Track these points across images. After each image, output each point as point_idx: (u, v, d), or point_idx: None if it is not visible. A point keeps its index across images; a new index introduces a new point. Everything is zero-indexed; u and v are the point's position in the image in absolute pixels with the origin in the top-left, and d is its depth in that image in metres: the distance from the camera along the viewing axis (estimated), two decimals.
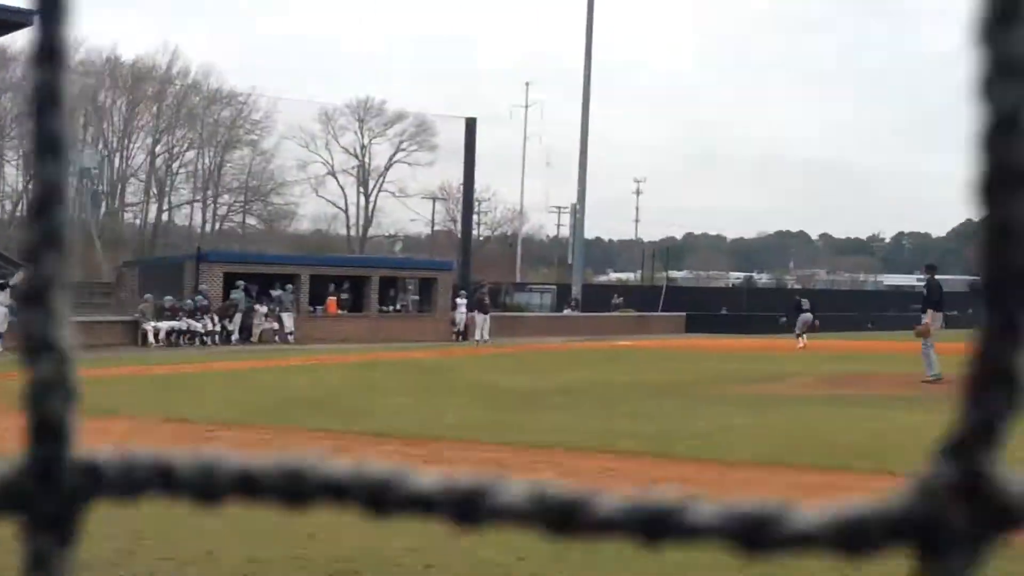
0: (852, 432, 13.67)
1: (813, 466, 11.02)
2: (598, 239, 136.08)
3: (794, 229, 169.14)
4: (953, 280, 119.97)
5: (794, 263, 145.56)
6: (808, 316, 40.92)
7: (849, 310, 65.46)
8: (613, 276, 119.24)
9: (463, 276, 49.17)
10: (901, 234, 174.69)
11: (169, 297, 36.44)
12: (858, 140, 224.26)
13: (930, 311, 22.32)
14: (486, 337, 41.57)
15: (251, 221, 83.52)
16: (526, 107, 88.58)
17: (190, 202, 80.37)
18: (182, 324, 36.13)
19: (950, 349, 35.18)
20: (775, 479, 10.31)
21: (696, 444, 12.47)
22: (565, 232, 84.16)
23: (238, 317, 38.03)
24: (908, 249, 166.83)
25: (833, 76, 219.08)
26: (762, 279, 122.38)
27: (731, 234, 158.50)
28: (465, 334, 43.20)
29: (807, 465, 11.07)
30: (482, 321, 42.50)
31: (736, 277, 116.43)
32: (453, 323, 43.78)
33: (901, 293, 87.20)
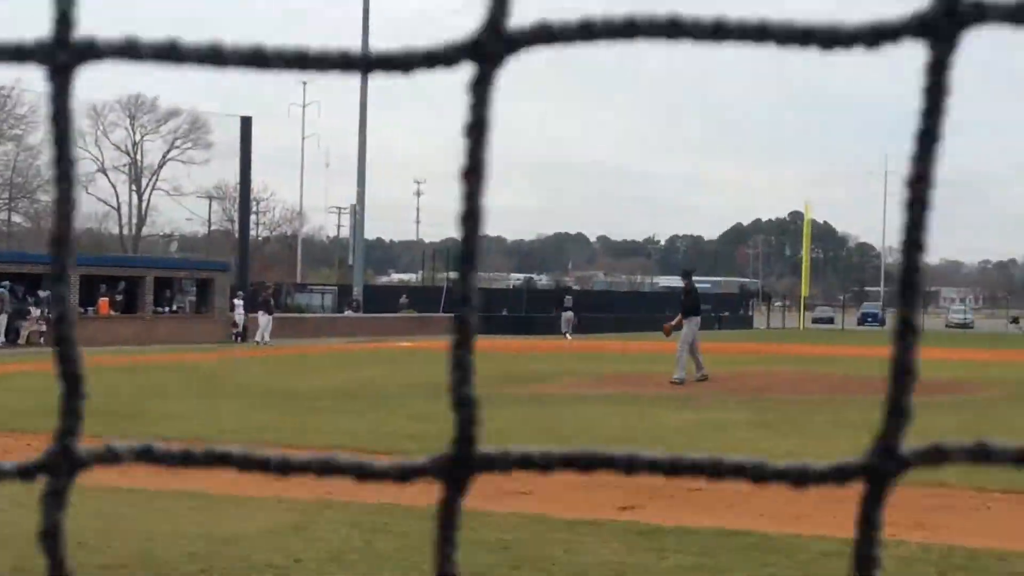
0: (625, 430, 14.14)
1: None
2: (379, 240, 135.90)
3: (572, 231, 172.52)
4: (727, 281, 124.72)
5: (572, 264, 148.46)
6: (570, 314, 42.01)
7: (625, 311, 67.16)
8: (395, 277, 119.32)
9: (241, 277, 48.48)
10: (676, 237, 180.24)
11: None
12: (635, 146, 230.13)
13: (688, 316, 23.03)
14: (267, 339, 41.10)
15: (17, 219, 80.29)
16: (303, 106, 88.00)
17: None
18: None
19: (719, 348, 36.61)
20: (552, 476, 10.59)
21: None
22: (345, 233, 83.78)
23: (3, 318, 36.56)
24: (682, 251, 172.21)
25: (612, 81, 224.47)
26: (542, 280, 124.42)
27: (511, 236, 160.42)
28: (244, 335, 42.62)
29: None
30: (265, 322, 41.99)
31: (516, 278, 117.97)
32: (233, 324, 43.12)
33: (676, 294, 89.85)
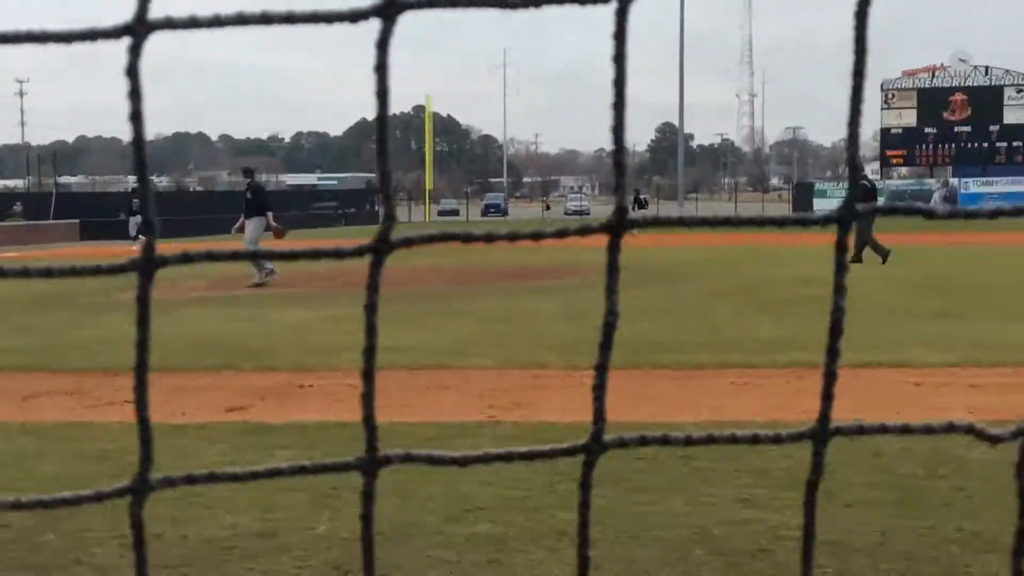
0: (238, 332, 14.11)
1: (200, 367, 11.33)
2: None
3: (193, 131, 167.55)
4: (355, 177, 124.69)
5: (195, 165, 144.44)
6: (139, 217, 41.36)
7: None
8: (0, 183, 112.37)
9: None
10: (300, 134, 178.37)
11: None
12: (261, 44, 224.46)
13: (251, 216, 22.85)
14: None
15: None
16: None
17: None
18: None
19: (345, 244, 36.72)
20: (163, 382, 10.50)
21: (81, 355, 12.35)
22: None
23: None
24: (308, 149, 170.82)
25: None
26: (163, 182, 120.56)
27: (125, 136, 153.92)
28: None
29: (196, 368, 11.34)
30: None
31: (134, 181, 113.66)
32: None
33: (304, 193, 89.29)
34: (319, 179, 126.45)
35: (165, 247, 0.91)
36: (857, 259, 25.07)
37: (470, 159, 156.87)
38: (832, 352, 0.91)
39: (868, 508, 6.15)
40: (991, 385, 9.56)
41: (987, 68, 70.30)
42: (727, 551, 5.52)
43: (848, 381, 7.14)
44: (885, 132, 71.70)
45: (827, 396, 0.91)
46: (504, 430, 8.26)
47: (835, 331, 0.91)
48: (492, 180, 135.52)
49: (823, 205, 67.19)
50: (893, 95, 70.91)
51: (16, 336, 14.18)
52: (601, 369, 0.89)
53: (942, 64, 71.19)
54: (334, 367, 11.01)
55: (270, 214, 22.92)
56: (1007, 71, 69.84)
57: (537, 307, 16.57)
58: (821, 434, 0.91)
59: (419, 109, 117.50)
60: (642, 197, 47.27)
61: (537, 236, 0.90)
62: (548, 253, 29.06)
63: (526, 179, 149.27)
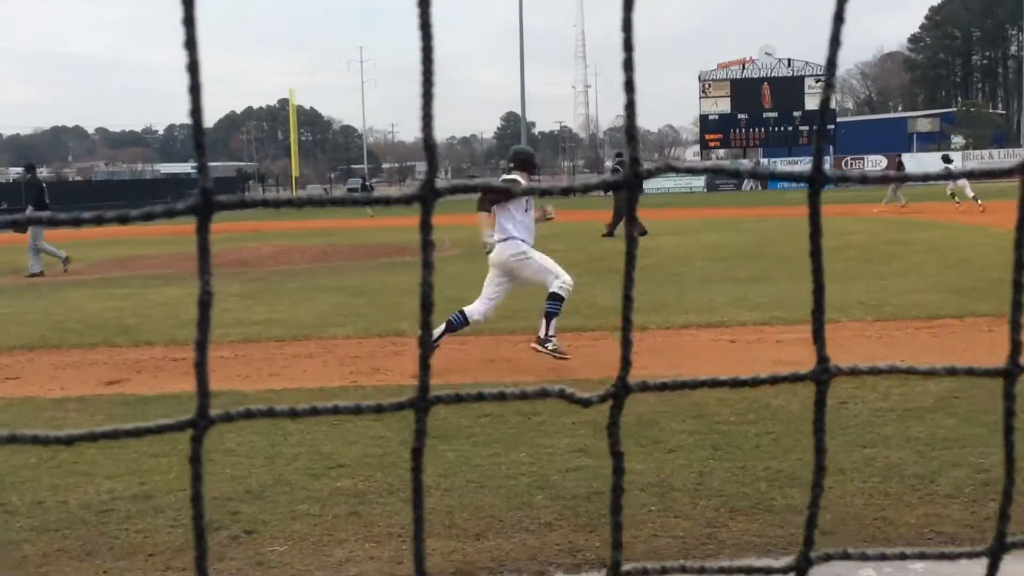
0: (113, 310, 13.72)
1: (77, 344, 10.99)
2: None
3: (70, 124, 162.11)
4: (225, 166, 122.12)
5: (72, 156, 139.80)
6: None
7: (127, 200, 64.32)
8: None
9: None
10: (173, 126, 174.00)
11: None
12: (132, 39, 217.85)
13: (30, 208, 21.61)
14: None
15: None
16: None
17: None
18: None
19: (216, 229, 36.10)
20: (40, 361, 10.16)
21: None
22: None
23: None
24: (181, 140, 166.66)
25: None
26: (43, 173, 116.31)
27: (6, 131, 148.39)
28: None
29: (72, 345, 11.00)
30: None
31: (16, 172, 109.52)
32: None
33: (178, 180, 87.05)
34: (192, 167, 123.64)
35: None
36: (610, 234, 25.72)
37: (333, 147, 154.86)
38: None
39: (687, 452, 6.27)
40: (795, 340, 9.83)
41: (790, 60, 72.09)
42: (564, 496, 5.57)
43: (667, 340, 7.26)
44: (704, 118, 73.07)
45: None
46: (365, 393, 8.20)
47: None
48: (354, 167, 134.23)
49: (652, 184, 68.31)
50: (709, 85, 72.27)
51: None
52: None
53: (751, 57, 72.77)
54: (215, 342, 10.78)
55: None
56: (807, 63, 71.72)
57: (393, 281, 16.48)
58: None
59: (284, 102, 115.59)
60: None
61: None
62: (401, 233, 28.94)
63: (385, 165, 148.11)
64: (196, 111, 0.79)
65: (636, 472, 5.81)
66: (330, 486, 5.90)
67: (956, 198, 31.87)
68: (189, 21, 0.76)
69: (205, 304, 0.84)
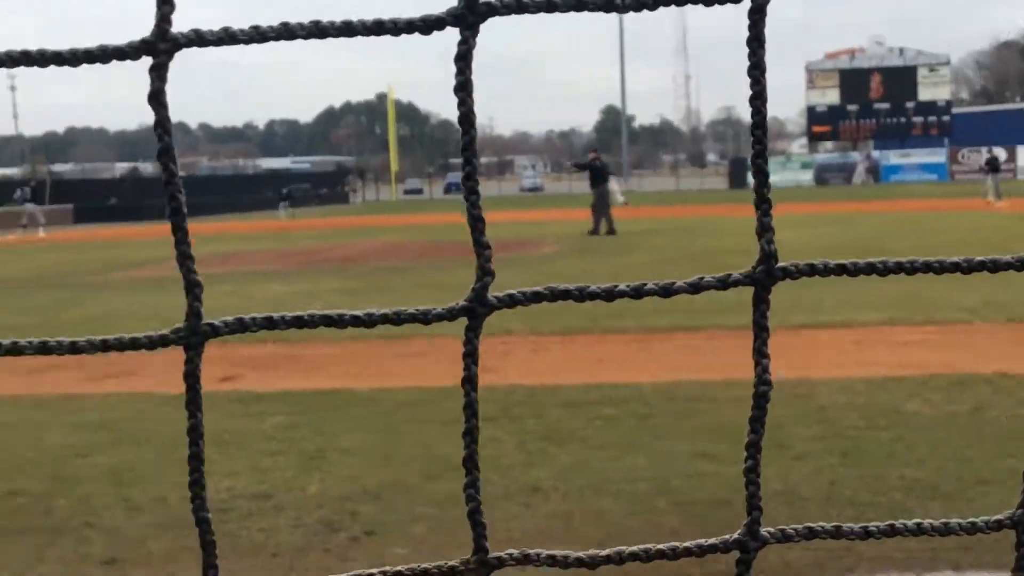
0: (216, 307, 13.93)
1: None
2: None
3: (174, 120, 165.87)
4: (324, 160, 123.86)
5: (177, 152, 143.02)
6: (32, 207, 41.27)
7: (229, 194, 65.44)
8: None
9: None
10: (273, 121, 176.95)
11: None
12: None
13: None
14: None
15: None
16: None
17: None
18: None
19: (317, 224, 36.33)
20: (153, 355, 10.34)
21: (81, 331, 12.14)
22: None
23: None
24: (280, 135, 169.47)
25: None
26: (147, 169, 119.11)
27: (113, 127, 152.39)
28: None
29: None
30: None
31: (122, 168, 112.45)
32: None
33: (276, 176, 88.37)
34: (292, 162, 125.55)
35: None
36: (595, 232, 25.51)
37: (431, 142, 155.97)
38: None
39: (815, 459, 6.13)
40: (919, 342, 9.58)
41: (901, 49, 70.60)
42: (688, 502, 5.48)
43: (788, 340, 7.08)
44: (811, 110, 71.91)
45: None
46: (478, 394, 8.18)
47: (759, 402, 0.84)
48: (452, 161, 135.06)
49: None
50: (817, 75, 71.09)
51: (19, 314, 13.94)
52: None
53: (861, 46, 71.42)
54: (311, 338, 10.88)
55: None
56: (920, 52, 70.16)
57: (500, 279, 16.47)
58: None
59: (382, 97, 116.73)
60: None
61: (667, 292, 0.83)
62: (512, 227, 28.99)
63: (483, 159, 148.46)
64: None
65: (762, 479, 5.69)
66: (447, 488, 5.88)
67: None
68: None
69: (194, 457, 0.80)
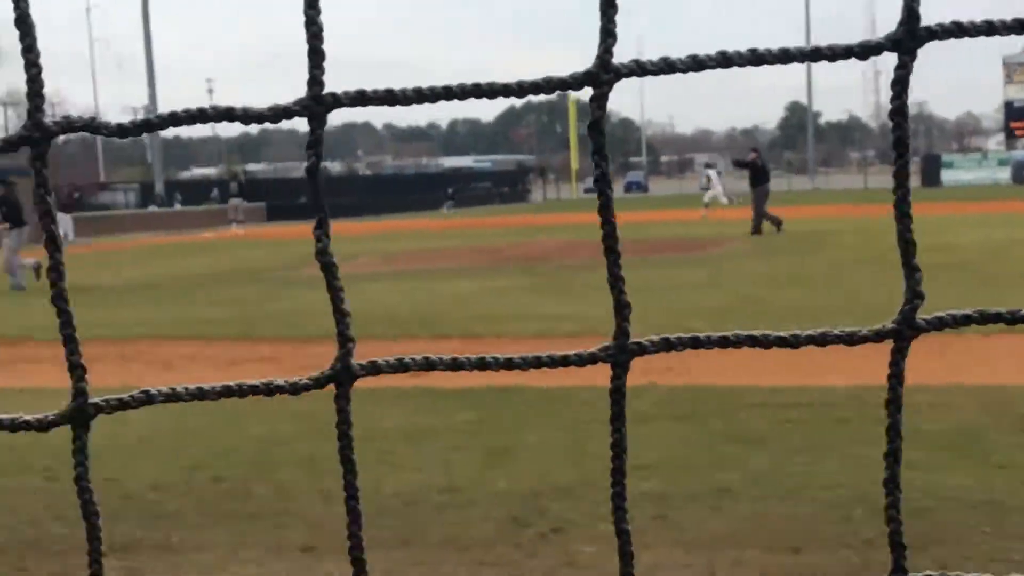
0: (411, 302, 14.24)
1: (380, 336, 11.44)
2: (177, 138, 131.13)
3: (360, 120, 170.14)
4: (505, 159, 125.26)
5: (363, 151, 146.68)
6: (238, 200, 42.11)
7: (412, 192, 66.77)
8: (197, 172, 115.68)
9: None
10: (455, 121, 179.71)
11: None
12: (418, 40, 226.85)
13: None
14: (71, 237, 39.69)
15: None
16: (88, 10, 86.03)
17: None
18: None
19: (502, 222, 36.57)
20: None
21: (276, 325, 12.59)
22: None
23: None
24: (462, 134, 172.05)
25: None
26: (335, 167, 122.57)
27: (302, 127, 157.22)
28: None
29: (375, 336, 11.46)
30: (67, 221, 40.49)
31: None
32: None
33: (461, 174, 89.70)
34: (474, 161, 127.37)
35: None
36: (757, 231, 24.73)
37: (611, 141, 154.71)
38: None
39: (1021, 469, 5.87)
40: None
41: None
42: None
43: (987, 346, 6.77)
44: (1008, 105, 68.92)
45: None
46: (660, 393, 8.13)
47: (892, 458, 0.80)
48: (632, 159, 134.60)
49: (950, 176, 65.10)
50: (1015, 69, 68.08)
51: (221, 306, 14.53)
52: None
53: None
54: (500, 334, 11.00)
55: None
56: None
57: (680, 276, 16.33)
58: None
59: (563, 96, 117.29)
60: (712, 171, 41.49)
61: (791, 343, 0.81)
62: (688, 227, 28.72)
63: (664, 158, 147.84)
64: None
65: (963, 488, 5.48)
66: (635, 487, 5.84)
67: None
68: None
69: None
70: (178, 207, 53.97)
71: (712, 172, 38.94)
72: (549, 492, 5.85)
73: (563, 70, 0.80)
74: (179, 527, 5.46)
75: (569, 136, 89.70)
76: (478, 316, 12.42)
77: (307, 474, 6.23)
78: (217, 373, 9.47)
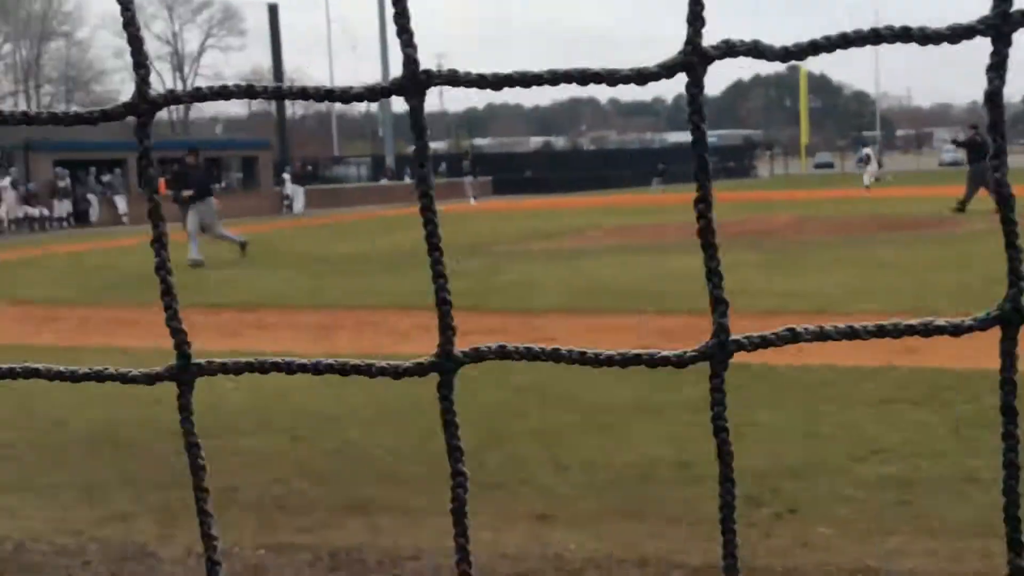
0: (637, 277, 14.20)
1: (607, 309, 11.47)
2: (406, 112, 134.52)
3: (585, 96, 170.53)
4: (731, 134, 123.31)
5: (587, 126, 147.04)
6: (470, 178, 41.83)
7: (635, 167, 66.51)
8: None
9: (282, 153, 48.38)
10: (680, 96, 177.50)
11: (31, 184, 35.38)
12: (634, 11, 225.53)
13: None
14: (301, 208, 41.46)
15: (76, 109, 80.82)
16: None
17: (13, 93, 76.84)
18: (34, 211, 35.06)
19: (727, 197, 36.08)
20: (573, 324, 10.71)
21: (502, 297, 12.79)
22: (376, 107, 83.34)
23: (67, 202, 36.84)
24: (687, 109, 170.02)
25: None
26: (559, 143, 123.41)
27: (528, 103, 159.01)
28: (292, 206, 42.83)
29: (601, 309, 11.51)
30: (298, 193, 42.30)
31: (536, 142, 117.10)
32: (284, 196, 43.21)
33: (684, 150, 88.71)
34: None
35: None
36: (961, 209, 23.57)
37: (843, 114, 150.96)
38: None
39: None
40: None
41: None
42: None
43: None
44: None
45: None
46: (899, 375, 7.86)
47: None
48: (865, 133, 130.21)
49: None
50: None
51: (453, 279, 14.81)
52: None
53: None
54: (735, 311, 10.85)
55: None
56: None
57: (921, 256, 15.71)
58: None
59: (793, 69, 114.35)
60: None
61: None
62: (924, 203, 27.60)
63: (899, 132, 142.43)
64: None
65: None
66: (875, 472, 5.68)
67: None
68: None
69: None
70: (407, 180, 55.48)
71: (869, 150, 40.37)
72: (781, 472, 5.74)
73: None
74: (416, 491, 5.62)
75: (800, 110, 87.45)
76: (707, 292, 12.27)
77: (539, 445, 6.31)
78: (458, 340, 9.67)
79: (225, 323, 11.30)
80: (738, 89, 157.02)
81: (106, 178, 38.48)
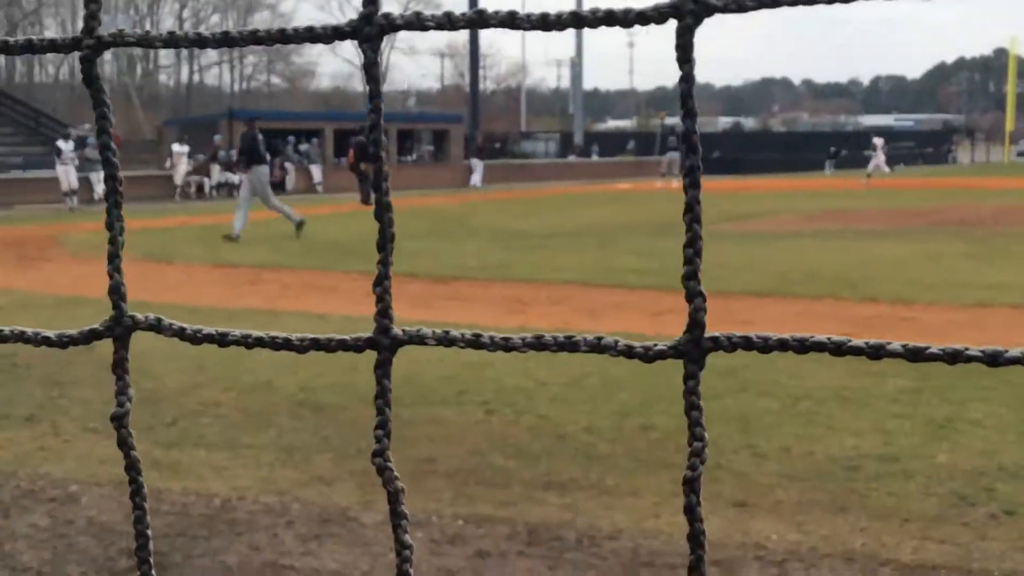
0: (836, 263, 13.78)
1: (802, 295, 11.16)
2: (595, 90, 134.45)
3: (777, 76, 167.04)
4: (930, 119, 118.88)
5: (778, 107, 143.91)
6: (675, 155, 39.94)
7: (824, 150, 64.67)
8: (611, 124, 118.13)
9: (472, 128, 48.89)
10: (878, 77, 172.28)
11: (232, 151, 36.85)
12: None
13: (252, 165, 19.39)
14: (478, 183, 41.83)
15: (275, 80, 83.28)
16: None
17: (218, 63, 79.87)
18: (235, 177, 36.49)
19: (924, 184, 34.71)
20: (769, 308, 10.46)
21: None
22: (565, 84, 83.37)
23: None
24: (884, 92, 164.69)
25: None
26: (749, 123, 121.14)
27: (719, 82, 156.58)
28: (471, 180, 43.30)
29: (797, 294, 11.21)
30: (480, 167, 42.68)
31: (725, 122, 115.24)
32: (470, 171, 43.68)
33: (879, 133, 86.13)
34: (896, 120, 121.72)
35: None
36: None
37: None
38: None
39: None
40: None
41: None
42: None
43: None
44: None
45: None
46: None
47: None
48: None
49: None
50: None
51: (636, 257, 14.73)
52: None
53: None
54: (934, 301, 10.41)
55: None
56: None
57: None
58: None
59: (1000, 52, 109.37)
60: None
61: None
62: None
63: None
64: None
65: None
66: None
67: None
68: None
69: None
70: (595, 158, 55.35)
71: (879, 140, 40.57)
72: (996, 472, 5.46)
73: None
74: (612, 471, 5.55)
75: (1006, 94, 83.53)
76: (910, 281, 11.83)
77: (738, 430, 6.16)
78: (643, 321, 9.58)
79: (417, 293, 11.45)
80: (940, 72, 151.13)
81: (303, 147, 39.62)
